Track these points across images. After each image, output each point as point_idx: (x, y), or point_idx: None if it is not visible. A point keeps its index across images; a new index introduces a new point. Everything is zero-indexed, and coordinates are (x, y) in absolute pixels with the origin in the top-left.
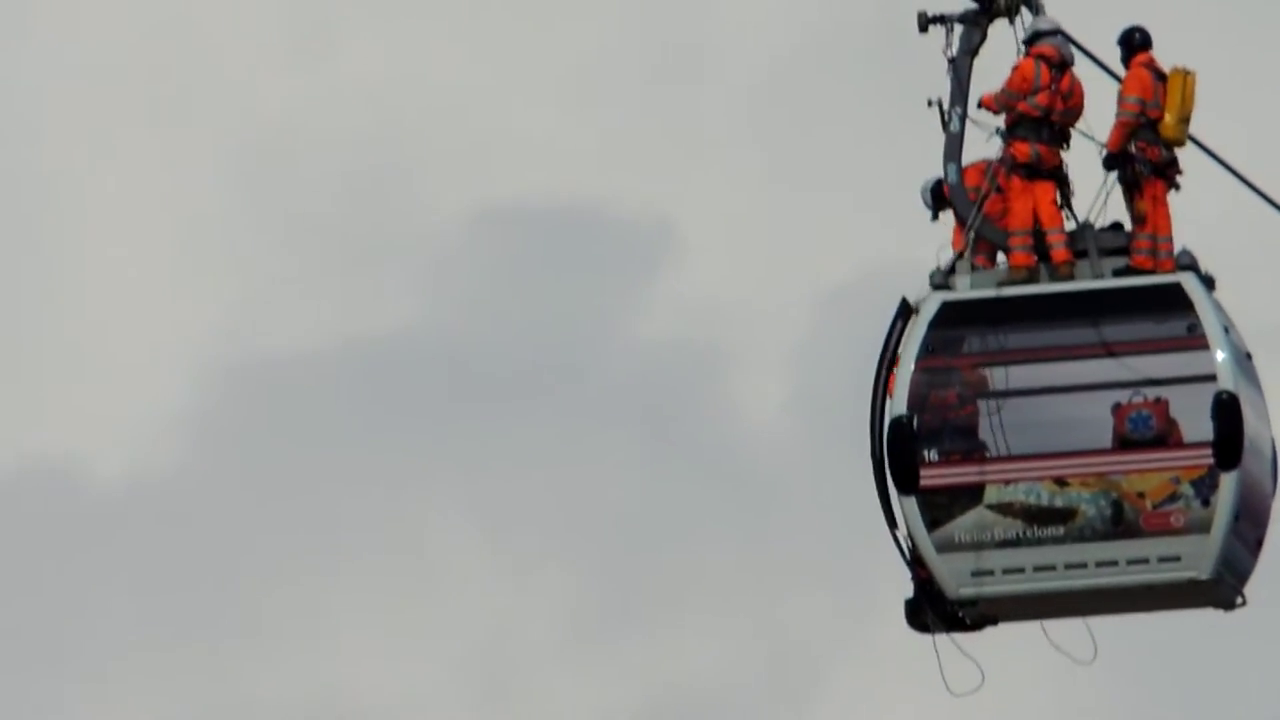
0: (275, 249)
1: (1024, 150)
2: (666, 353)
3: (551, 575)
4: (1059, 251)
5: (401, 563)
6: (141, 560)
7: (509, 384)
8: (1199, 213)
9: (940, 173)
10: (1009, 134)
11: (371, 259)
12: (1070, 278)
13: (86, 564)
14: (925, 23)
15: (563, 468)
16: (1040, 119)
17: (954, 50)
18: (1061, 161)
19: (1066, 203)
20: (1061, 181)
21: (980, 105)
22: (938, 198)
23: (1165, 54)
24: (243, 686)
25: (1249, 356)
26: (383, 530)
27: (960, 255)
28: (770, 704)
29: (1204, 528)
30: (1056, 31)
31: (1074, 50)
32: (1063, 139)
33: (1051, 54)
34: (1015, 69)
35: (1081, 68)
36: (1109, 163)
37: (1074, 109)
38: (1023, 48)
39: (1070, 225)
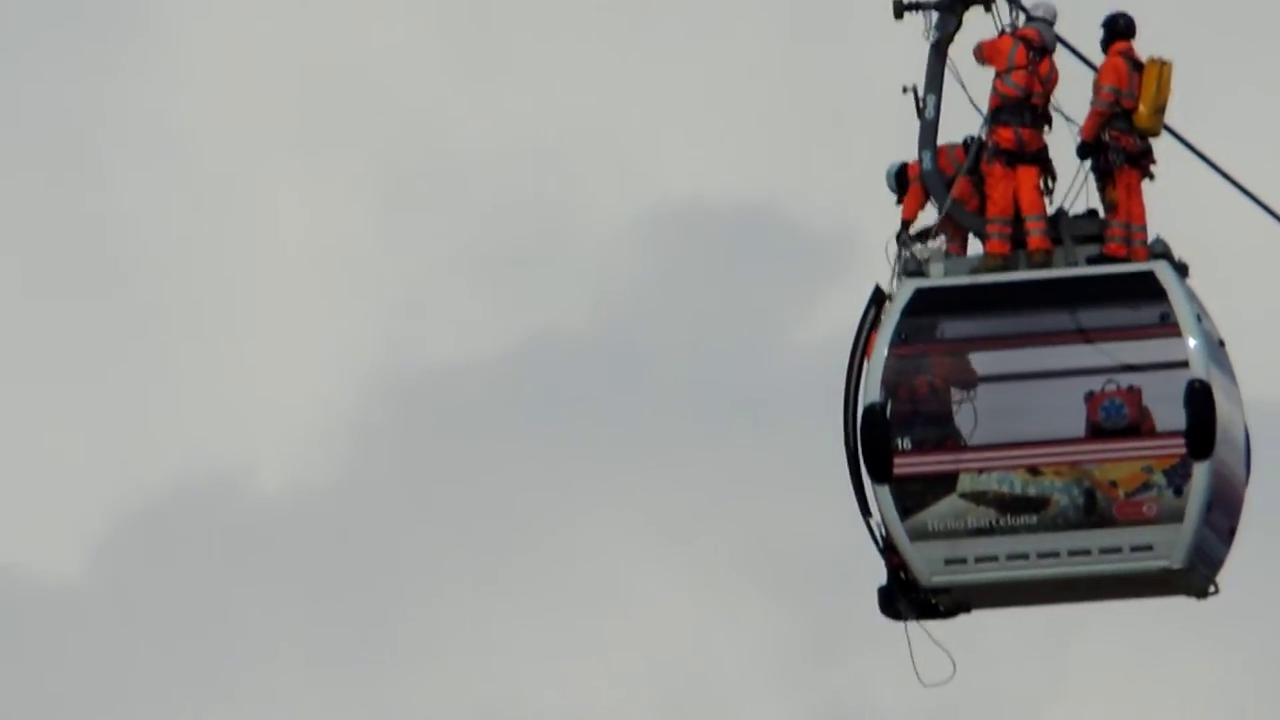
0: (439, 259)
1: (1007, 135)
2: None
3: (727, 587)
4: (1036, 239)
5: (568, 574)
6: (307, 573)
7: (685, 391)
8: (1173, 201)
9: (905, 158)
10: (992, 119)
11: (538, 267)
12: (1047, 265)
13: (250, 577)
14: (901, 9)
15: (739, 475)
16: (1021, 101)
17: (932, 36)
18: (1044, 145)
19: (1049, 188)
20: (1045, 165)
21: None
22: (901, 182)
23: (1144, 44)
24: (408, 703)
25: (1221, 344)
26: (548, 541)
27: (908, 224)
28: None
29: (1177, 517)
30: (1046, 20)
31: (1057, 39)
32: (1045, 121)
33: (1033, 36)
34: (993, 40)
35: (1061, 56)
36: (1083, 151)
37: (1049, 95)
38: (1011, 27)
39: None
